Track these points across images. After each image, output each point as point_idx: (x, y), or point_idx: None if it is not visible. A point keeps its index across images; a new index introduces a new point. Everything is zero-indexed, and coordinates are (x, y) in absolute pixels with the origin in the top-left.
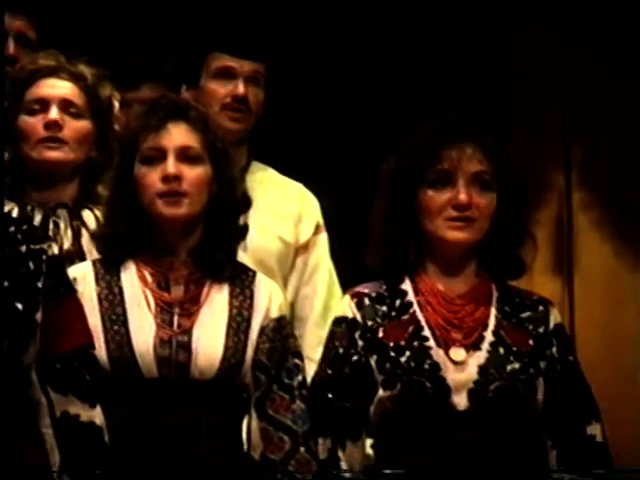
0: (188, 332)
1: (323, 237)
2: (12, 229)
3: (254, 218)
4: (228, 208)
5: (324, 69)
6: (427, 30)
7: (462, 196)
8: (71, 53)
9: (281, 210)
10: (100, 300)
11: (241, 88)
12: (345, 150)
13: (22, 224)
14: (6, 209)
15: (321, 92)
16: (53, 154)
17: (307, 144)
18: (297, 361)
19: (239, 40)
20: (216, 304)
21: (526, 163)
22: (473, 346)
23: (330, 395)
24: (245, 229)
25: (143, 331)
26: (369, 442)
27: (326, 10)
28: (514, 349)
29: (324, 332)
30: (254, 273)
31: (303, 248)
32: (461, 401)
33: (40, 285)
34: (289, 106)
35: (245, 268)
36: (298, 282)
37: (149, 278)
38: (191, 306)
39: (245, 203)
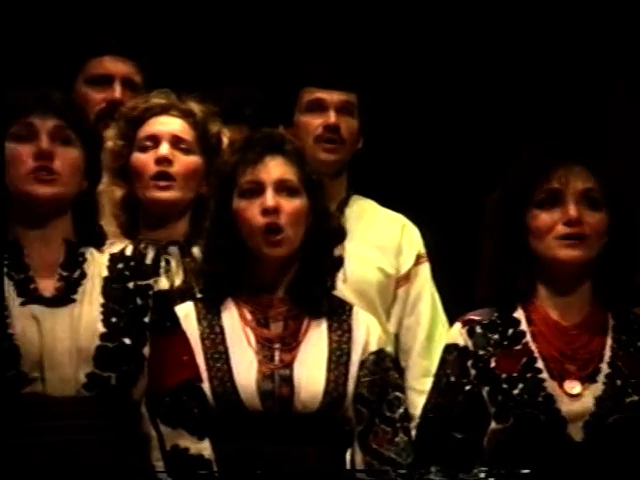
0: (289, 366)
1: (425, 267)
2: (120, 266)
3: (354, 250)
4: (323, 240)
5: (426, 98)
6: (527, 59)
7: (572, 211)
8: (181, 92)
9: (381, 242)
10: (202, 339)
11: (332, 117)
12: (447, 180)
13: (130, 261)
14: (121, 247)
15: (422, 123)
16: (163, 195)
17: (410, 175)
18: (398, 394)
19: (327, 72)
20: (315, 339)
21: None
22: (588, 378)
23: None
24: (340, 261)
25: (245, 367)
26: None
27: (424, 38)
28: (632, 380)
29: (428, 362)
30: (351, 307)
31: (404, 279)
32: (577, 433)
33: (147, 320)
34: (390, 137)
35: (342, 302)
36: (401, 313)
37: (249, 316)
38: (292, 341)
39: (340, 235)
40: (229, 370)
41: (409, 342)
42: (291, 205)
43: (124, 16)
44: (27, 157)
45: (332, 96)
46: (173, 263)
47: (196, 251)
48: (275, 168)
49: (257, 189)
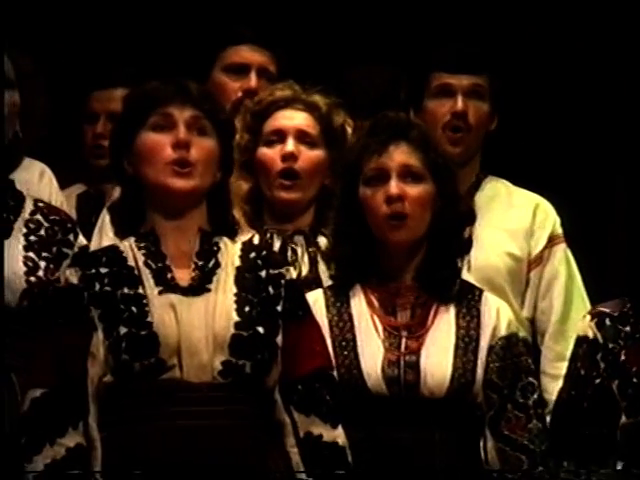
0: (416, 353)
1: (560, 248)
2: (252, 255)
3: (481, 235)
4: (452, 223)
5: (560, 76)
6: None
7: None
8: (307, 84)
9: (511, 225)
10: (331, 327)
11: (459, 104)
12: (584, 162)
13: (262, 250)
14: (248, 236)
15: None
16: (288, 195)
17: (549, 154)
18: (531, 379)
19: (455, 56)
20: (443, 325)
21: None
22: None
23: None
24: (469, 243)
25: (371, 354)
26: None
27: (557, 14)
28: None
29: (561, 346)
30: (481, 292)
31: (536, 262)
32: None
33: (279, 309)
34: (531, 116)
35: (471, 287)
36: (535, 297)
37: (376, 304)
38: (418, 329)
39: (469, 217)
40: (356, 357)
41: (543, 326)
42: (416, 191)
43: (259, 5)
44: (165, 147)
45: (460, 81)
46: (299, 252)
47: (322, 241)
48: (399, 154)
49: (381, 176)
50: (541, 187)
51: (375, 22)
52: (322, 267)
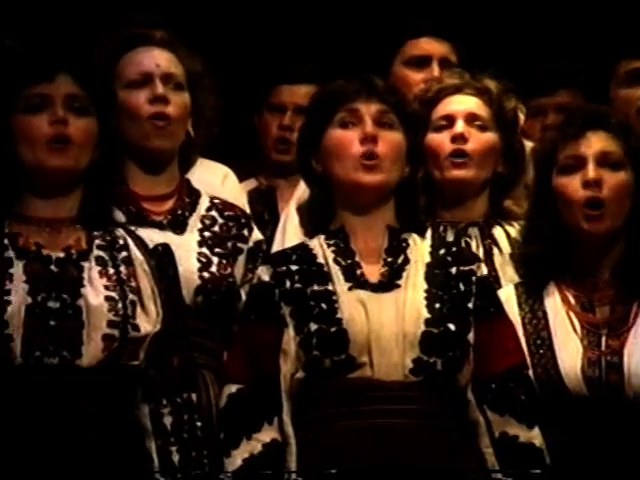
0: (618, 353)
1: None
2: (442, 251)
3: None
4: None
5: None
6: None
7: None
8: (480, 71)
9: None
10: (524, 324)
11: None
12: None
13: (452, 246)
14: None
15: None
16: (459, 173)
17: None
18: None
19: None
20: None
21: None
22: None
23: None
24: None
25: (569, 353)
26: None
27: None
28: None
29: None
30: None
31: None
32: None
33: (471, 306)
34: None
35: None
36: None
37: (572, 300)
38: (619, 326)
39: None
40: (553, 356)
41: None
42: (614, 179)
43: None
44: (353, 142)
45: None
46: (473, 245)
47: (497, 232)
48: (597, 142)
49: (578, 164)
50: None
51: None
52: (498, 260)
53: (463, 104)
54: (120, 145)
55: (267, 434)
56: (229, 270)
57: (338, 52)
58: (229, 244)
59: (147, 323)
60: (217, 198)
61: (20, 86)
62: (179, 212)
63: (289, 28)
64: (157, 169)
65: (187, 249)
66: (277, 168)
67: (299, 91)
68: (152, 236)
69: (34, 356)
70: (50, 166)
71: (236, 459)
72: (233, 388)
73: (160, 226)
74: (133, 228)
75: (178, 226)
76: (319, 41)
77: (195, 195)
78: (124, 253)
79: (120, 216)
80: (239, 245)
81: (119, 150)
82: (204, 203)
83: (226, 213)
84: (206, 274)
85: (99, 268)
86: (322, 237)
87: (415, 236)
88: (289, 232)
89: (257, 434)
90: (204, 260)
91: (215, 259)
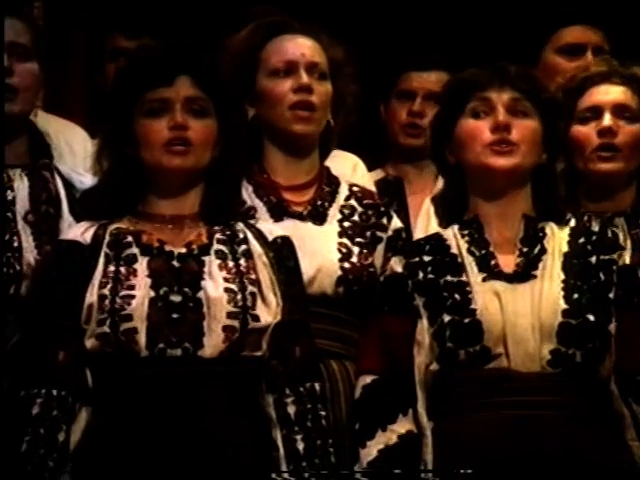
0: None
1: None
2: (582, 240)
3: None
4: None
5: None
6: None
7: None
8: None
9: None
10: None
11: None
12: None
13: (592, 235)
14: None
15: None
16: (606, 166)
17: None
18: None
19: None
20: None
21: None
22: None
23: None
24: None
25: None
26: None
27: None
28: None
29: None
30: None
31: None
32: None
33: (612, 296)
34: None
35: None
36: None
37: None
38: None
39: None
40: None
41: None
42: None
43: None
44: (485, 131)
45: None
46: (620, 236)
47: None
48: None
49: None
50: None
51: None
52: None
53: (610, 94)
54: (255, 134)
55: (402, 425)
56: (369, 260)
57: (471, 39)
58: (368, 233)
59: (267, 314)
60: (356, 185)
61: (141, 90)
62: (319, 203)
63: (421, 15)
64: (298, 155)
65: (327, 240)
66: (406, 153)
67: (429, 78)
68: (272, 229)
69: (158, 348)
70: (170, 167)
71: (371, 449)
72: (368, 379)
73: (300, 217)
74: (252, 222)
75: (318, 217)
76: (450, 28)
77: (335, 183)
78: (244, 246)
79: (261, 207)
80: (378, 234)
81: (242, 147)
82: (343, 192)
83: (365, 201)
84: (347, 264)
85: (219, 261)
86: (456, 227)
87: (553, 225)
88: (429, 223)
89: (392, 425)
90: (345, 250)
91: (355, 249)
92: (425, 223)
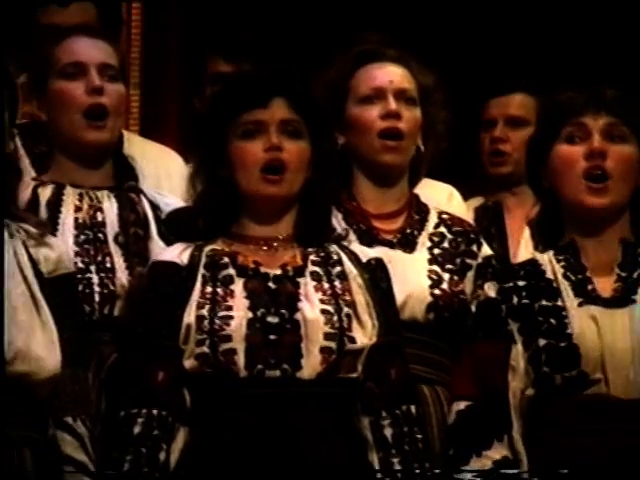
0: None
1: None
2: None
3: None
4: None
5: None
6: None
7: None
8: None
9: None
10: None
11: None
12: None
13: None
14: None
15: None
16: None
17: None
18: None
19: None
20: None
21: None
22: None
23: None
24: None
25: None
26: None
27: None
28: None
29: None
30: None
31: None
32: None
33: None
34: None
35: None
36: None
37: None
38: None
39: None
40: None
41: None
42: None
43: None
44: (579, 158)
45: None
46: None
47: None
48: None
49: None
50: None
51: None
52: None
53: None
54: (345, 162)
55: (497, 451)
56: (460, 287)
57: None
58: (458, 260)
59: (363, 335)
60: (446, 213)
61: (236, 111)
62: (408, 231)
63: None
64: (388, 184)
65: (417, 267)
66: (496, 182)
67: (508, 102)
68: (365, 251)
69: (257, 369)
70: (265, 195)
71: (467, 475)
72: (462, 405)
73: (390, 245)
74: (346, 243)
75: (408, 245)
76: (523, 51)
77: (424, 211)
78: (338, 268)
79: (350, 234)
80: (468, 261)
81: (334, 170)
82: (432, 219)
83: (454, 229)
84: (437, 291)
85: (314, 283)
86: (551, 252)
87: None
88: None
89: (487, 451)
90: (435, 277)
91: (446, 276)
92: (530, 249)
